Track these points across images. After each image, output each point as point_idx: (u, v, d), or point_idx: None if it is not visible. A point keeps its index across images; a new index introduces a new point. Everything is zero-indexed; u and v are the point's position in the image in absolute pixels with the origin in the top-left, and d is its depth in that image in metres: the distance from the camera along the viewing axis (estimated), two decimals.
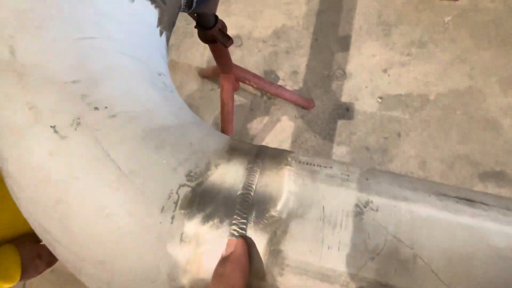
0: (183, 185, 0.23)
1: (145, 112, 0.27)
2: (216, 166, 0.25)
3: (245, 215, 0.22)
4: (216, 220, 0.22)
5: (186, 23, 1.29)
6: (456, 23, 1.15)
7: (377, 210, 0.22)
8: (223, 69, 0.87)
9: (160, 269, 0.22)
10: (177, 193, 0.23)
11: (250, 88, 1.20)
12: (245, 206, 0.22)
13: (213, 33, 0.65)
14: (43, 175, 0.23)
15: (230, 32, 0.67)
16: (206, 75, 1.22)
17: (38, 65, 0.25)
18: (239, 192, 0.23)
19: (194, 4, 0.45)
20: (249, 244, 0.21)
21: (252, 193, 0.23)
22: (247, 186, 0.23)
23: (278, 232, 0.22)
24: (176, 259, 0.22)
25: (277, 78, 1.20)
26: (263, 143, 0.91)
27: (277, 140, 1.14)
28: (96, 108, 0.25)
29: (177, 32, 1.29)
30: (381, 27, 1.19)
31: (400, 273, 0.20)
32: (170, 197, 0.23)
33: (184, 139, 0.27)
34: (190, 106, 0.96)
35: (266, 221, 0.22)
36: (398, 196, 0.23)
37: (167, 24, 0.39)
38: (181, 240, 0.22)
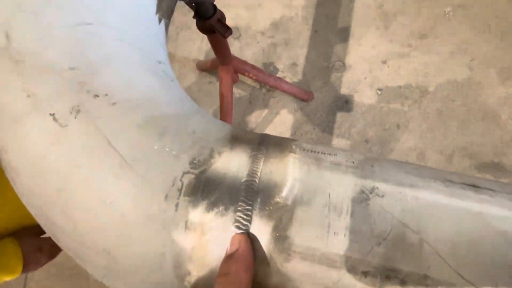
0: (187, 173, 0.23)
1: (146, 100, 0.27)
2: (219, 154, 0.25)
3: (250, 202, 0.22)
4: (221, 208, 0.22)
5: (183, 14, 1.27)
6: (457, 14, 1.14)
7: (383, 196, 0.22)
8: (221, 61, 0.86)
9: (166, 256, 0.22)
10: (181, 180, 0.23)
11: (248, 81, 1.19)
12: (250, 193, 0.22)
13: (211, 23, 0.64)
14: (44, 164, 0.23)
15: (228, 23, 0.66)
16: (204, 67, 1.20)
17: (34, 52, 0.24)
18: (243, 180, 0.23)
19: None
20: (252, 239, 0.21)
21: (257, 180, 0.23)
22: (251, 173, 0.23)
23: (283, 218, 0.21)
24: (181, 246, 0.21)
25: (276, 70, 1.19)
26: None
27: (276, 133, 1.14)
28: (96, 96, 0.24)
29: (173, 23, 1.27)
30: (381, 18, 1.17)
31: (407, 258, 0.20)
32: (174, 184, 0.22)
33: (186, 127, 0.26)
34: None
35: (271, 208, 0.22)
36: (403, 183, 0.23)
37: (165, 12, 0.38)
38: (186, 227, 0.22)
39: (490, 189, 0.24)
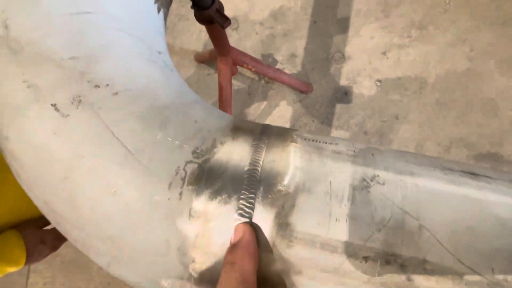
0: (190, 162, 0.23)
1: (147, 90, 0.27)
2: (222, 143, 0.25)
3: (253, 190, 0.22)
4: (224, 196, 0.22)
5: (180, 5, 1.25)
6: (457, 4, 1.13)
7: (383, 184, 0.23)
8: (220, 52, 0.86)
9: (170, 244, 0.22)
10: (184, 169, 0.23)
11: (247, 72, 1.18)
12: (253, 181, 0.22)
13: (210, 13, 0.63)
14: (47, 154, 0.23)
15: (226, 14, 0.65)
16: (202, 59, 1.19)
17: (33, 41, 0.24)
18: (246, 168, 0.23)
19: None
20: (255, 228, 0.22)
21: (259, 169, 0.23)
22: (254, 162, 0.23)
23: (286, 206, 0.22)
24: (185, 234, 0.22)
25: (275, 61, 1.18)
26: None
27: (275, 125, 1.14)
28: (97, 86, 0.24)
29: (171, 14, 1.25)
30: (381, 9, 1.16)
31: (406, 243, 0.20)
32: (177, 173, 0.23)
33: (188, 117, 0.26)
34: None
35: (274, 196, 0.22)
36: (404, 171, 0.24)
37: (164, 1, 0.38)
38: (190, 215, 0.22)
39: (488, 177, 0.24)
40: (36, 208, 0.27)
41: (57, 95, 0.23)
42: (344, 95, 1.14)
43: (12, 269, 0.50)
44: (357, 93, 1.13)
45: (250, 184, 0.22)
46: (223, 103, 0.91)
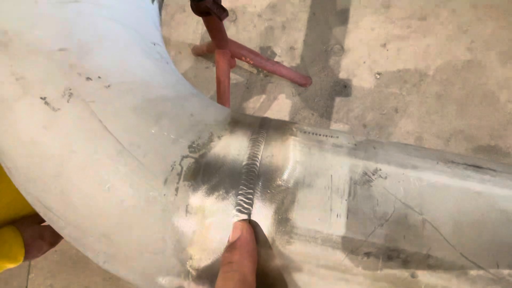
0: (186, 157, 0.23)
1: (141, 83, 0.26)
2: (219, 137, 0.24)
3: (251, 186, 0.21)
4: (221, 191, 0.21)
5: None
6: None
7: (385, 177, 0.22)
8: (218, 44, 0.84)
9: (166, 241, 0.21)
10: (180, 164, 0.22)
11: (245, 66, 1.17)
12: (251, 176, 0.22)
13: (206, 4, 0.61)
14: (37, 150, 0.22)
15: (224, 6, 0.63)
16: (200, 52, 1.17)
17: (20, 32, 0.23)
18: (244, 163, 0.22)
19: None
20: (254, 225, 0.21)
21: (257, 164, 0.22)
22: (252, 157, 0.23)
23: (285, 201, 0.21)
24: (182, 230, 0.21)
25: (274, 54, 1.17)
26: None
27: None
28: (88, 79, 0.23)
29: (167, 6, 1.22)
30: None
31: (409, 238, 0.20)
32: (173, 168, 0.22)
33: (184, 110, 0.26)
34: None
35: (273, 191, 0.21)
36: (406, 164, 0.23)
37: None
38: (187, 211, 0.21)
39: (492, 170, 0.24)
40: None
41: (46, 88, 0.22)
42: (343, 88, 1.13)
43: (11, 265, 0.50)
44: (356, 86, 1.12)
45: (249, 179, 0.22)
46: (221, 97, 0.90)
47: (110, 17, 0.27)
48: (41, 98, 0.22)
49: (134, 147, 0.22)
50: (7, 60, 0.23)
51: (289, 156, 0.23)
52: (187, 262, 0.22)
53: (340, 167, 0.22)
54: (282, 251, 0.21)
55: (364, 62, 1.13)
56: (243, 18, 1.19)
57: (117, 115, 0.23)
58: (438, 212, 0.21)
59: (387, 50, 1.12)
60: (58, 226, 0.24)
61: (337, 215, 0.21)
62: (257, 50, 1.16)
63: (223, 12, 0.63)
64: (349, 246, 0.20)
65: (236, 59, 0.95)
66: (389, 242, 0.20)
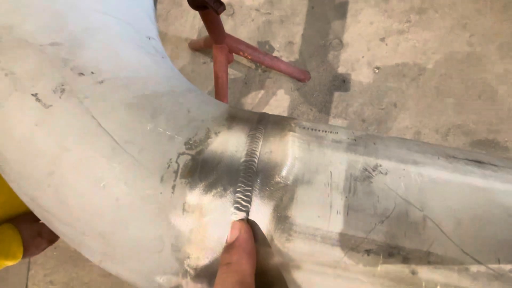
0: (183, 154, 0.22)
1: (136, 78, 0.25)
2: (216, 133, 0.24)
3: (249, 183, 0.21)
4: (219, 189, 0.21)
5: None
6: None
7: (386, 173, 0.22)
8: (215, 39, 0.83)
9: (164, 240, 0.21)
10: (176, 162, 0.22)
11: (243, 61, 1.16)
12: (250, 173, 0.21)
13: None
14: (30, 148, 0.22)
15: None
16: (197, 47, 1.16)
17: (10, 26, 0.22)
18: (242, 160, 0.22)
19: None
20: (252, 224, 0.21)
21: (256, 160, 0.22)
22: (250, 153, 0.22)
23: (284, 198, 0.21)
24: (179, 229, 0.21)
25: (272, 49, 1.16)
26: None
27: None
28: (81, 74, 0.23)
29: (163, 1, 1.20)
30: None
31: (410, 235, 0.20)
32: (169, 166, 0.21)
33: (180, 106, 0.25)
34: None
35: (271, 188, 0.21)
36: (407, 160, 0.23)
37: None
38: (184, 210, 0.21)
39: (493, 164, 0.23)
40: None
41: (38, 84, 0.21)
42: (342, 83, 1.12)
43: (10, 263, 0.50)
44: (355, 81, 1.11)
45: (247, 176, 0.21)
46: (219, 92, 0.89)
47: (103, 10, 0.26)
48: (32, 94, 0.21)
49: (129, 144, 0.21)
50: None
51: (288, 152, 0.23)
52: (185, 261, 0.21)
53: (339, 163, 0.22)
54: (281, 249, 0.20)
55: (363, 57, 1.12)
56: (241, 12, 1.18)
57: (111, 112, 0.22)
58: (439, 208, 0.20)
59: (386, 44, 1.11)
60: (53, 225, 0.24)
61: (337, 212, 0.20)
62: (255, 44, 1.15)
63: (220, 6, 0.62)
64: (349, 243, 0.20)
65: (234, 54, 0.94)
66: (389, 239, 0.20)
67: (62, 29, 0.23)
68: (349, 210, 0.20)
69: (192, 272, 0.21)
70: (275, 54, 1.14)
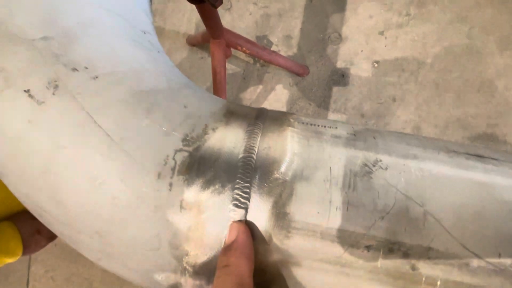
0: (180, 150, 0.22)
1: (131, 73, 0.25)
2: (213, 129, 0.23)
3: (248, 179, 0.21)
4: (217, 185, 0.21)
5: None
6: None
7: (386, 168, 0.21)
8: (213, 34, 0.82)
9: (161, 238, 0.21)
10: (173, 158, 0.21)
11: (242, 55, 1.15)
12: (248, 169, 0.21)
13: None
14: (24, 145, 0.21)
15: None
16: (195, 42, 1.15)
17: (0, 20, 0.22)
18: (240, 156, 0.22)
19: None
20: (250, 223, 0.20)
21: (254, 156, 0.22)
22: (248, 149, 0.22)
23: (283, 195, 0.21)
24: (177, 227, 0.21)
25: (270, 43, 1.14)
26: None
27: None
28: (74, 69, 0.22)
29: None
30: None
31: (410, 231, 0.19)
32: (166, 163, 0.21)
33: (177, 102, 0.25)
34: None
35: (270, 184, 0.21)
36: (407, 154, 0.22)
37: None
38: (181, 207, 0.21)
39: (494, 159, 0.23)
40: None
41: (30, 80, 0.21)
42: (341, 77, 1.11)
43: (9, 260, 0.50)
44: (354, 75, 1.11)
45: (245, 173, 0.21)
46: (217, 88, 0.88)
47: (96, 3, 0.26)
48: (24, 90, 0.21)
49: (124, 141, 0.21)
50: None
51: (287, 148, 0.22)
52: (184, 259, 0.21)
53: (339, 159, 0.22)
54: (280, 246, 0.20)
55: (362, 51, 1.11)
56: (238, 5, 1.16)
57: (106, 108, 0.22)
58: (440, 203, 0.20)
59: (385, 38, 1.10)
60: (48, 223, 0.24)
61: (337, 208, 0.20)
62: (253, 39, 1.14)
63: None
64: (349, 239, 0.20)
65: (232, 49, 0.93)
66: (390, 235, 0.19)
67: (54, 23, 0.22)
68: (349, 206, 0.20)
69: (190, 269, 0.21)
70: (273, 48, 1.13)
